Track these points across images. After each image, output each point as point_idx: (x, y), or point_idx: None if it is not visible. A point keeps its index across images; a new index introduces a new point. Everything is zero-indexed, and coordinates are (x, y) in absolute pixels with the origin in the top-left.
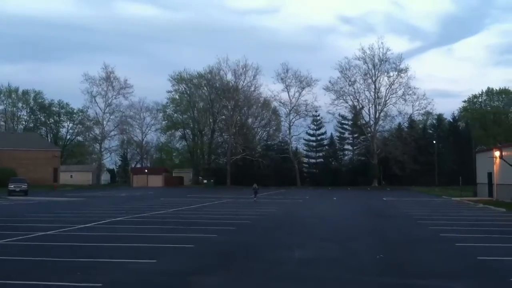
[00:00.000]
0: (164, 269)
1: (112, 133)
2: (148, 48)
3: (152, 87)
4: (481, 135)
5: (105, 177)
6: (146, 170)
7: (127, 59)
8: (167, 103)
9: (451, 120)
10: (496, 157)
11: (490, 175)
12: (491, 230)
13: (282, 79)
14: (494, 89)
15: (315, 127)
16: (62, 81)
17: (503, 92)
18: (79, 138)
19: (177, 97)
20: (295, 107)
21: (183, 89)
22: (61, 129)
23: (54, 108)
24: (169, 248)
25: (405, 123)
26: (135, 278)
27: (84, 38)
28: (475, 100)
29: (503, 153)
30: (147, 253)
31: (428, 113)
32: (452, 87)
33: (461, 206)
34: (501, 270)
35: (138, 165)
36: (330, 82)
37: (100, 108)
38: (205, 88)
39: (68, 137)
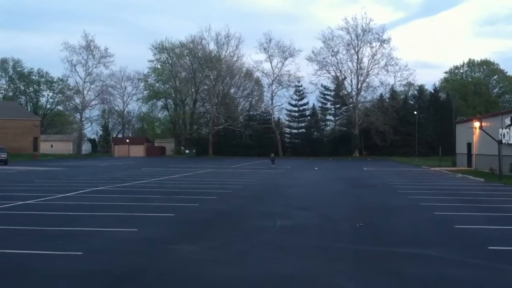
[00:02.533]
0: (144, 237)
1: (93, 102)
2: (129, 17)
3: (133, 56)
4: (461, 106)
5: (86, 147)
6: (127, 140)
7: (108, 28)
8: (149, 72)
9: (432, 91)
10: (475, 128)
11: (469, 145)
12: (469, 199)
13: (265, 49)
14: (476, 60)
15: (297, 98)
16: (42, 50)
17: (484, 63)
18: (59, 107)
19: (158, 66)
20: (277, 78)
21: (164, 59)
22: (41, 98)
23: (33, 77)
24: (150, 217)
25: (386, 94)
26: (116, 246)
27: (64, 6)
28: (456, 71)
29: (482, 124)
30: (128, 222)
31: (409, 84)
32: (434, 58)
33: (441, 176)
34: (478, 238)
35: (120, 135)
36: (313, 52)
37: (80, 77)
38: (187, 57)
39: (48, 106)
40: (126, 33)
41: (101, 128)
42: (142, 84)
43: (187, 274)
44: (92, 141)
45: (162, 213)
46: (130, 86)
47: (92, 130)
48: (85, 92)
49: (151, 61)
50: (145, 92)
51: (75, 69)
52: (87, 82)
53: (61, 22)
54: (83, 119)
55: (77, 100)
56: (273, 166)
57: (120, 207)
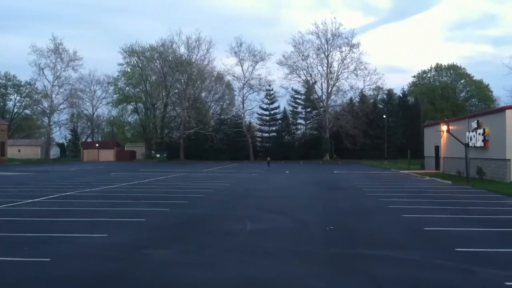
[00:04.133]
0: (114, 242)
1: (62, 106)
2: (99, 19)
3: (102, 59)
4: (429, 110)
5: (54, 152)
6: (97, 144)
7: (77, 31)
8: (119, 76)
9: (401, 95)
10: (443, 131)
11: (437, 148)
12: (437, 201)
13: (235, 53)
14: (443, 64)
15: (268, 102)
16: (9, 53)
17: (451, 67)
18: (27, 111)
19: (128, 70)
20: (248, 81)
21: (134, 62)
22: (8, 102)
23: (0, 80)
24: (120, 222)
25: (356, 98)
26: (85, 252)
27: (32, 8)
28: (424, 76)
29: (450, 127)
30: (98, 227)
31: (378, 88)
32: (403, 62)
33: (409, 179)
34: (445, 240)
35: (89, 139)
36: (283, 56)
37: (48, 81)
38: (157, 61)
39: (16, 110)
40: (95, 36)
41: (70, 133)
42: (112, 87)
43: (159, 279)
44: (60, 145)
45: (133, 218)
46: (100, 89)
47: (60, 135)
48: (53, 96)
49: (121, 64)
50: (115, 96)
51: (43, 73)
52: (55, 85)
53: (29, 25)
54: (51, 123)
55: (45, 104)
56: (269, 169)
57: (89, 213)
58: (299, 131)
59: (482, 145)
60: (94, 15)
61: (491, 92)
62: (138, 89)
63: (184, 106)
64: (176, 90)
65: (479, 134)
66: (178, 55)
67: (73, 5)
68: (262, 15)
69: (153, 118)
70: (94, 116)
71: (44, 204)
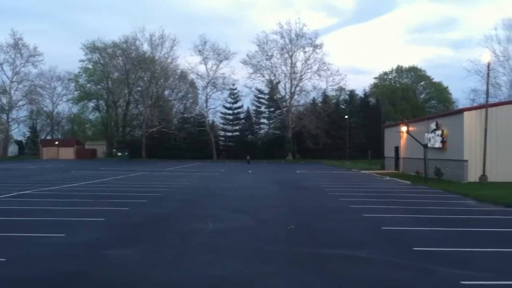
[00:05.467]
0: (72, 242)
1: (20, 103)
2: (60, 14)
3: (64, 55)
4: (390, 111)
5: (12, 149)
6: (56, 142)
7: (37, 25)
8: (80, 72)
9: (363, 96)
10: (402, 132)
11: (397, 149)
12: (396, 201)
13: (199, 51)
14: (404, 66)
15: (232, 101)
16: None
17: (412, 69)
18: None
19: (90, 66)
20: (212, 80)
21: (96, 59)
22: None
23: None
24: (78, 221)
25: (319, 98)
26: (42, 252)
27: None
28: (385, 77)
29: (409, 128)
30: (55, 227)
31: (341, 89)
32: (365, 64)
33: (370, 179)
34: (404, 239)
35: (48, 137)
36: (247, 56)
37: (7, 76)
38: (120, 58)
39: None
40: (56, 31)
41: (29, 130)
42: (73, 84)
43: (118, 279)
44: (19, 143)
45: (92, 218)
46: (60, 86)
47: (19, 132)
48: (12, 92)
49: (83, 61)
50: (76, 92)
51: (2, 68)
52: (14, 81)
53: None
54: (9, 120)
55: (4, 100)
56: (248, 166)
57: (47, 212)
58: (262, 131)
59: (441, 146)
60: (56, 10)
61: (450, 94)
62: (99, 86)
63: (146, 104)
64: (139, 88)
65: (438, 135)
66: (141, 52)
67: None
68: (227, 14)
69: (115, 116)
70: (54, 113)
71: (0, 203)
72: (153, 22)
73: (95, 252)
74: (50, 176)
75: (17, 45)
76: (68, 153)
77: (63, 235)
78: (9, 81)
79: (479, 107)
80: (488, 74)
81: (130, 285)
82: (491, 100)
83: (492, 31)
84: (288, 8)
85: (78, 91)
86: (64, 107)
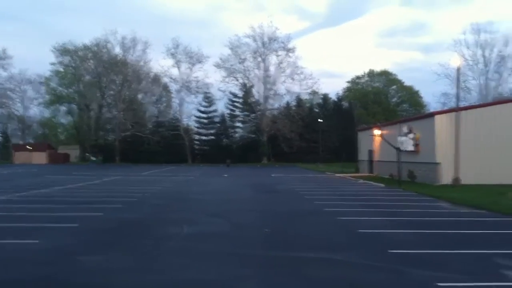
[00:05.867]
0: (45, 248)
1: None
2: (30, 16)
3: (34, 58)
4: (362, 114)
5: None
6: (28, 147)
7: (6, 27)
8: (51, 75)
9: (336, 99)
10: (375, 135)
11: (370, 152)
12: (371, 204)
13: (172, 54)
14: (375, 70)
15: (206, 104)
16: None
17: (383, 73)
18: None
19: (61, 69)
20: (186, 84)
21: (67, 61)
22: None
23: None
24: (51, 227)
25: (293, 102)
26: (14, 258)
27: None
28: (357, 81)
29: (382, 132)
30: (28, 233)
31: (314, 93)
32: (338, 67)
33: (344, 182)
34: (379, 242)
35: (20, 141)
36: (220, 59)
37: None
38: (91, 61)
39: None
40: (26, 33)
41: (0, 134)
42: (44, 87)
43: (90, 283)
44: None
45: (65, 223)
46: (31, 89)
47: None
48: None
49: (53, 63)
50: (47, 96)
51: None
52: None
53: None
54: None
55: None
56: (228, 169)
57: (19, 218)
58: (237, 134)
59: (413, 149)
60: (25, 12)
61: (421, 97)
62: (71, 90)
63: (119, 108)
64: (112, 92)
65: (410, 138)
66: (113, 55)
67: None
68: (199, 17)
69: (88, 120)
70: (25, 117)
71: None
72: (125, 24)
73: (67, 258)
74: (22, 181)
75: None
76: (40, 157)
77: (36, 241)
78: None
79: (450, 110)
80: (458, 78)
81: None
82: (461, 104)
83: (461, 36)
84: (261, 11)
85: (49, 95)
86: (36, 111)
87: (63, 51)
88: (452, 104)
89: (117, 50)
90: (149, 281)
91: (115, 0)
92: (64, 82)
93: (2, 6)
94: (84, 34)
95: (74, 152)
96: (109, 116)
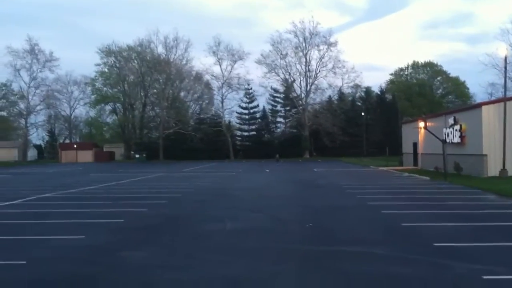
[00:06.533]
0: (92, 244)
1: (38, 107)
2: (75, 20)
3: (79, 60)
4: (406, 107)
5: (31, 153)
6: (75, 146)
7: (53, 32)
8: (96, 76)
9: (379, 92)
10: (420, 128)
11: (415, 145)
12: (416, 197)
13: (214, 52)
14: (419, 62)
15: (247, 100)
16: None
17: (428, 65)
18: (3, 113)
19: (106, 70)
20: (227, 81)
21: (112, 62)
22: None
23: None
24: (97, 223)
25: (335, 96)
26: (62, 254)
27: (6, 9)
28: (401, 73)
29: (427, 124)
30: (75, 229)
31: (357, 86)
32: (380, 60)
33: (388, 175)
34: (424, 236)
35: (67, 141)
36: (262, 55)
37: (24, 82)
38: (135, 61)
39: None
40: (72, 36)
41: (47, 134)
42: (89, 88)
43: (137, 281)
44: (38, 147)
45: (110, 219)
46: (77, 90)
47: (38, 136)
48: (30, 97)
49: (98, 64)
50: (93, 96)
51: (19, 74)
52: (31, 87)
53: (3, 26)
54: (28, 124)
55: (22, 106)
56: (278, 164)
57: (66, 214)
58: (278, 130)
59: (459, 141)
60: (70, 16)
61: (467, 88)
62: (116, 90)
63: (163, 106)
64: (155, 90)
65: (456, 130)
66: (156, 54)
67: (47, 6)
68: (240, 16)
69: (132, 119)
70: (72, 117)
71: (21, 207)
72: (166, 24)
73: (113, 254)
74: (70, 179)
75: (33, 51)
76: (86, 156)
77: (83, 237)
78: (26, 87)
79: (497, 101)
80: (505, 67)
81: (146, 285)
82: (509, 94)
83: (508, 25)
84: (300, 8)
85: (95, 95)
86: (82, 111)
87: (107, 52)
88: (499, 94)
89: (160, 49)
90: (192, 278)
91: (156, 1)
92: (109, 82)
93: (48, 13)
94: (127, 35)
95: (119, 150)
96: (152, 114)
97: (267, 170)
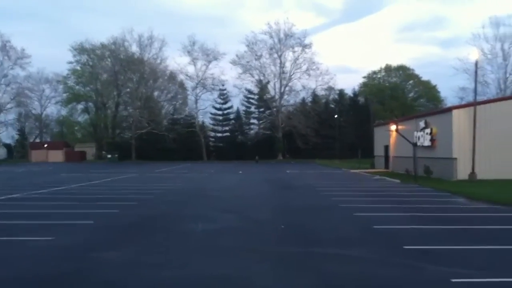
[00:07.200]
0: (61, 245)
1: (9, 105)
2: (48, 16)
3: (51, 57)
4: (379, 110)
5: (1, 152)
6: (45, 145)
7: (25, 27)
8: (68, 74)
9: (352, 95)
10: (392, 131)
11: (386, 147)
12: (386, 200)
13: (188, 52)
14: (392, 65)
15: (221, 101)
16: None
17: (400, 68)
18: None
19: (78, 68)
20: (201, 81)
21: (85, 60)
22: None
23: None
24: (67, 224)
25: (308, 98)
26: (30, 255)
27: None
28: (374, 76)
29: (398, 127)
30: (45, 230)
31: (330, 88)
32: (354, 63)
33: (360, 178)
34: (395, 238)
35: (37, 140)
36: (237, 56)
37: None
38: (108, 59)
39: None
40: (44, 33)
41: (17, 133)
42: (61, 86)
43: (107, 281)
44: (7, 146)
45: (80, 220)
46: (49, 88)
47: (7, 135)
48: (0, 94)
49: (71, 62)
50: (64, 94)
51: None
52: (2, 84)
53: None
54: None
55: None
56: (257, 164)
57: (36, 215)
58: (252, 131)
59: (430, 144)
60: (43, 11)
61: (439, 92)
62: (88, 88)
63: (136, 106)
64: (128, 89)
65: (427, 133)
66: (130, 53)
67: (21, 1)
68: (216, 15)
69: (104, 118)
70: (43, 115)
71: None
72: (141, 22)
73: (83, 254)
74: (40, 179)
75: (4, 48)
76: (57, 155)
77: (52, 238)
78: None
79: (468, 105)
80: (476, 72)
81: (120, 285)
82: (480, 98)
83: (480, 30)
84: (277, 8)
85: (67, 93)
86: (53, 110)
87: (80, 50)
88: (470, 98)
89: (134, 48)
90: (164, 277)
91: None
92: (81, 81)
93: (19, 6)
94: (101, 33)
95: (90, 150)
96: (125, 114)
97: (240, 172)
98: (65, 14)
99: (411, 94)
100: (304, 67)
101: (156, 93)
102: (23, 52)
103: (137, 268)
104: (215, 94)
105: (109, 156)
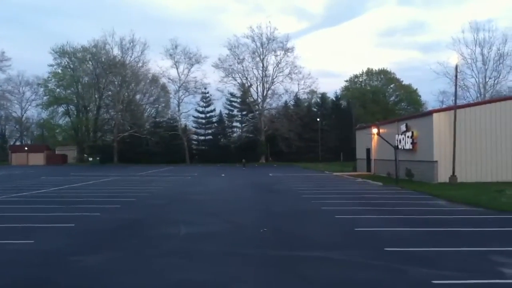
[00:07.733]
0: (41, 249)
1: None
2: (28, 19)
3: (32, 60)
4: (361, 113)
5: None
6: (26, 148)
7: (5, 31)
8: (49, 77)
9: (334, 98)
10: (373, 134)
11: (368, 151)
12: (368, 203)
13: (171, 55)
14: (374, 69)
15: (204, 104)
16: None
17: (381, 72)
18: None
19: (59, 71)
20: (184, 84)
21: (66, 63)
22: None
23: None
24: (48, 228)
25: (291, 101)
26: (9, 259)
27: None
28: (356, 80)
29: (380, 130)
30: (24, 234)
31: (312, 92)
32: (336, 67)
33: (342, 181)
34: (376, 240)
35: (18, 143)
36: (219, 59)
37: None
38: (89, 62)
39: None
40: (25, 36)
41: None
42: (42, 89)
43: (87, 285)
44: None
45: (62, 224)
46: (29, 91)
47: None
48: None
49: (52, 65)
50: (45, 97)
51: None
52: None
53: None
54: None
55: None
56: (244, 169)
57: (16, 218)
58: (235, 134)
59: (411, 147)
60: (24, 14)
61: (420, 96)
62: (69, 91)
63: (118, 109)
64: (110, 92)
65: (408, 137)
66: (111, 56)
67: (1, 5)
68: (198, 18)
69: (86, 121)
70: (23, 118)
71: None
72: (123, 26)
73: (63, 259)
74: (20, 182)
75: None
76: (38, 158)
77: (31, 241)
78: None
79: (448, 108)
80: (456, 76)
81: None
82: (460, 102)
83: (460, 34)
84: (260, 12)
85: (47, 96)
86: (34, 112)
87: (61, 53)
88: (450, 102)
89: (116, 51)
90: (145, 282)
91: (113, 1)
92: (62, 84)
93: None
94: (82, 36)
95: (71, 153)
96: (107, 117)
97: (223, 175)
98: (46, 17)
99: (392, 98)
100: (286, 71)
101: (138, 96)
102: (3, 55)
103: (115, 274)
104: (198, 97)
105: (90, 159)
